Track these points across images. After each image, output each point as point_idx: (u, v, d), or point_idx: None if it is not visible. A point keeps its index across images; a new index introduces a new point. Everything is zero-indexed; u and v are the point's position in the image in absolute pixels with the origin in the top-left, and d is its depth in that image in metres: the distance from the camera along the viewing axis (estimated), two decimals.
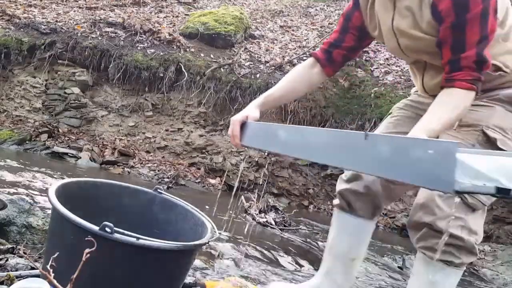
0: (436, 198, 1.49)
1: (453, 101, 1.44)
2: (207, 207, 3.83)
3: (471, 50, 1.41)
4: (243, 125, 1.63)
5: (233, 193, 4.36)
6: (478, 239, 1.53)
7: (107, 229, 1.25)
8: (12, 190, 3.10)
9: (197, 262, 2.35)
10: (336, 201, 1.84)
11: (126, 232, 1.27)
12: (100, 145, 5.96)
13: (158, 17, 7.12)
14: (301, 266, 2.79)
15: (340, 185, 1.83)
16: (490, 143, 1.51)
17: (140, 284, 1.35)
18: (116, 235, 1.25)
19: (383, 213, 5.20)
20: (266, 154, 5.40)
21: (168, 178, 5.23)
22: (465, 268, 1.57)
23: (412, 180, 1.03)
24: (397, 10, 1.56)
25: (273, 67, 5.96)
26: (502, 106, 1.56)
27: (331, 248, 1.84)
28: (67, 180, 1.61)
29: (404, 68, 5.87)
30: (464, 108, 1.44)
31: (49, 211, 2.56)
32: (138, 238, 1.27)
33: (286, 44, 6.76)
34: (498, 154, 1.00)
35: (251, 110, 1.71)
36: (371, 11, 1.68)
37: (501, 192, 0.94)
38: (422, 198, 1.54)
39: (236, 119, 1.66)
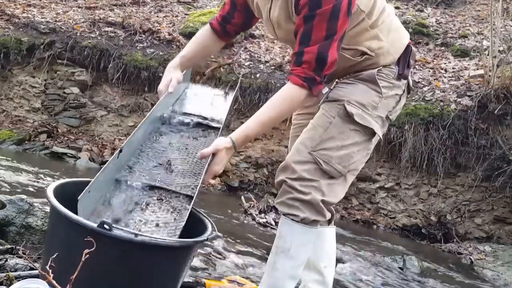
0: (292, 164, 1.60)
1: (283, 95, 1.56)
2: (207, 207, 3.82)
3: (314, 45, 1.48)
4: None
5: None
6: (328, 200, 1.60)
7: (105, 226, 1.24)
8: (11, 190, 3.09)
9: (197, 262, 2.34)
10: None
11: (124, 228, 1.28)
12: (99, 145, 5.94)
13: (157, 16, 7.10)
14: None
15: None
16: (349, 117, 1.61)
17: (139, 281, 1.35)
18: (115, 232, 1.25)
19: (383, 214, 5.19)
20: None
21: None
22: (314, 227, 1.63)
23: None
24: (273, 1, 1.62)
25: (273, 67, 5.95)
26: (365, 84, 1.65)
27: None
28: (65, 180, 1.62)
29: None
30: (291, 102, 1.56)
31: (48, 211, 2.55)
32: (136, 235, 1.27)
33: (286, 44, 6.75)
34: None
35: (173, 73, 1.89)
36: None
37: None
38: (284, 162, 1.64)
39: (161, 88, 1.85)
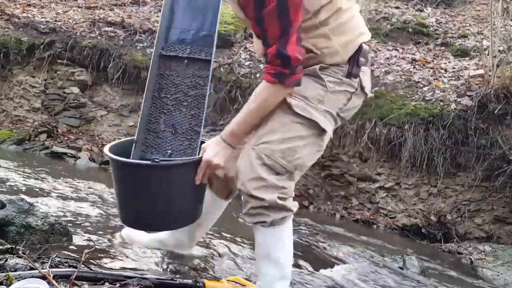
0: (241, 168, 1.67)
1: (258, 92, 1.64)
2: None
3: (273, 46, 1.52)
4: None
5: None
6: (283, 196, 1.66)
7: (156, 160, 1.70)
8: (11, 190, 3.09)
9: (197, 262, 2.34)
10: None
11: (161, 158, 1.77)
12: (99, 145, 5.94)
13: (157, 16, 7.10)
14: (301, 266, 2.78)
15: None
16: (290, 109, 1.64)
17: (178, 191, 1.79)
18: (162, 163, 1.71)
19: (383, 213, 5.19)
20: None
21: None
22: (285, 224, 1.71)
23: None
24: None
25: None
26: (309, 78, 1.65)
27: None
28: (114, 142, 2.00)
29: (404, 68, 5.86)
30: (265, 99, 1.61)
31: (48, 211, 2.55)
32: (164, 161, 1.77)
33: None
34: None
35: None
36: None
37: None
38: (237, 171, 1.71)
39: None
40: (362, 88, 1.74)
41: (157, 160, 1.72)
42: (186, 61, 1.97)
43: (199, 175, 1.71)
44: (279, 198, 1.64)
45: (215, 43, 1.98)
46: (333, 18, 1.63)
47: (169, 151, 1.92)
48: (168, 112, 1.96)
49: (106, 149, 1.81)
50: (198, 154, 1.81)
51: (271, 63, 1.55)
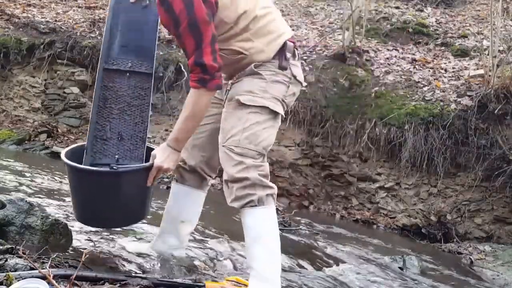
0: (222, 165, 1.92)
1: (187, 100, 1.88)
2: (207, 207, 3.82)
3: (191, 57, 1.80)
4: None
5: None
6: (264, 173, 1.88)
7: (114, 167, 1.96)
8: (11, 190, 3.09)
9: (197, 262, 2.34)
10: (175, 173, 2.22)
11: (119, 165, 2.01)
12: None
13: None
14: (301, 266, 2.78)
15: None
16: (242, 104, 1.91)
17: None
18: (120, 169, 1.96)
19: (383, 213, 5.19)
20: None
21: (168, 178, 5.22)
22: (271, 206, 1.87)
23: None
24: None
25: None
26: (249, 77, 1.95)
27: (165, 213, 2.23)
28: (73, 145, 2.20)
29: (404, 68, 5.86)
30: (194, 103, 1.86)
31: (48, 211, 2.55)
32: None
33: None
34: None
35: None
36: None
37: None
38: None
39: None
40: (295, 77, 2.01)
41: (115, 168, 1.97)
42: (128, 74, 2.13)
43: (150, 178, 1.94)
44: (260, 175, 1.86)
45: (155, 57, 2.17)
46: (252, 24, 1.91)
47: (117, 156, 2.08)
48: (114, 120, 2.12)
49: (62, 155, 2.00)
50: (144, 159, 2.06)
51: (193, 71, 1.81)
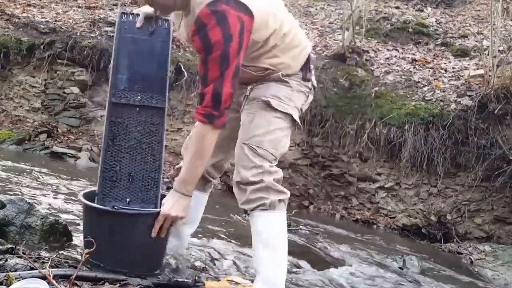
0: (238, 165, 1.89)
1: (194, 134, 1.88)
2: (207, 206, 3.82)
3: (210, 85, 1.76)
4: None
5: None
6: (278, 178, 1.88)
7: (116, 207, 1.88)
8: (11, 190, 3.09)
9: (197, 262, 2.34)
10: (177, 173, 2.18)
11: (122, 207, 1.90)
12: (99, 145, 5.93)
13: None
14: (300, 266, 2.78)
15: (178, 166, 2.18)
16: (269, 107, 1.92)
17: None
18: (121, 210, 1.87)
19: (383, 213, 5.19)
20: None
21: (168, 178, 5.22)
22: (283, 211, 1.87)
23: None
24: (183, 18, 1.92)
25: None
26: (276, 83, 1.97)
27: None
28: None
29: (404, 68, 5.86)
30: (201, 138, 1.82)
31: (48, 211, 2.55)
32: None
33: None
34: None
35: (145, 8, 2.02)
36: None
37: None
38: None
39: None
40: (314, 87, 2.10)
41: (116, 208, 1.87)
42: (137, 108, 1.98)
43: (156, 227, 1.84)
44: (275, 180, 1.86)
45: (167, 89, 2.01)
46: (280, 41, 1.92)
47: (128, 199, 1.94)
48: (123, 160, 1.96)
49: (80, 196, 1.95)
50: (160, 201, 1.93)
51: (203, 103, 1.78)
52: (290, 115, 1.96)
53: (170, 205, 1.85)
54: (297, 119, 2.00)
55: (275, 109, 1.92)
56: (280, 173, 1.91)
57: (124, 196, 1.94)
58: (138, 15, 2.03)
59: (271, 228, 1.85)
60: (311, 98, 2.11)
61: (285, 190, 1.89)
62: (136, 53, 2.01)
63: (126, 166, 1.96)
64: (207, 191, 2.27)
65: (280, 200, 1.85)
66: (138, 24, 2.01)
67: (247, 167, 1.85)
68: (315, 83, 2.11)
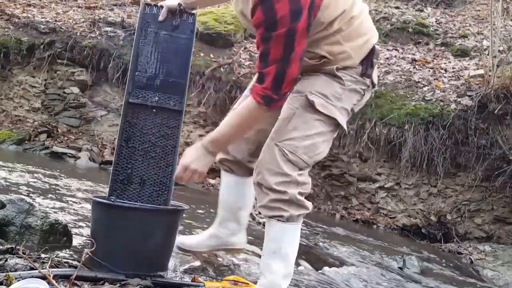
0: (264, 164, 1.71)
1: (244, 108, 1.68)
2: (207, 206, 3.82)
3: (272, 65, 1.56)
4: None
5: None
6: (304, 191, 1.72)
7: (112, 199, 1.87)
8: (11, 190, 3.08)
9: (197, 262, 2.34)
10: (221, 166, 2.13)
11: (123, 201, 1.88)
12: (99, 145, 5.94)
13: None
14: (301, 266, 2.77)
15: (218, 156, 2.03)
16: (311, 107, 1.70)
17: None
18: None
19: (383, 213, 5.19)
20: None
21: None
22: (299, 223, 1.76)
23: None
24: None
25: None
26: (327, 76, 1.73)
27: (221, 202, 2.16)
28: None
29: (404, 68, 5.86)
30: (250, 116, 1.67)
31: (48, 211, 2.54)
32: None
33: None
34: None
35: (168, 1, 1.90)
36: None
37: None
38: (258, 162, 1.75)
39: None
40: (374, 84, 1.84)
41: (112, 200, 1.84)
42: (154, 110, 1.90)
43: (178, 176, 1.76)
44: (299, 193, 1.70)
45: (186, 92, 1.93)
46: (345, 25, 1.69)
47: (138, 204, 1.89)
48: (136, 162, 1.89)
49: (92, 196, 1.93)
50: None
51: (263, 84, 1.59)
52: (335, 119, 1.72)
53: (192, 157, 1.72)
54: (343, 123, 1.75)
55: (317, 111, 1.70)
56: (308, 186, 1.74)
57: (134, 200, 1.88)
58: (162, 7, 1.89)
59: (284, 240, 1.75)
60: (367, 96, 1.86)
61: (307, 204, 1.74)
62: (158, 50, 1.91)
63: (138, 169, 1.89)
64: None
65: (299, 215, 1.73)
66: (160, 18, 1.88)
67: (272, 172, 1.69)
68: (375, 80, 1.86)
